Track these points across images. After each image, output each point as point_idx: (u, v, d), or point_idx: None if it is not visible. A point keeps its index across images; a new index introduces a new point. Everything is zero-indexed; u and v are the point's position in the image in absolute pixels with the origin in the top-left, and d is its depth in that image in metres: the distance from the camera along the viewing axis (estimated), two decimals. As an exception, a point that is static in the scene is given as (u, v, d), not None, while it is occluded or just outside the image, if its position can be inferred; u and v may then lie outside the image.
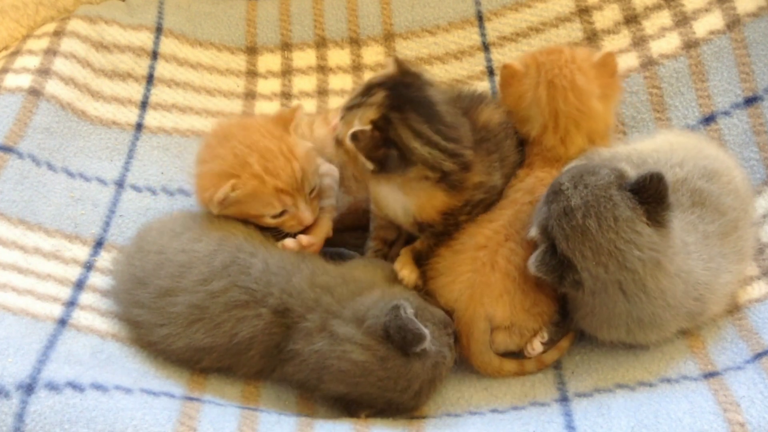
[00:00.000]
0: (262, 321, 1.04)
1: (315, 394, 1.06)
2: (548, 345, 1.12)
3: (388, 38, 1.56)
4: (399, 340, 0.99)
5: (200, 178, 1.14)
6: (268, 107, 1.54)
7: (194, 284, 1.05)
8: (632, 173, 1.00)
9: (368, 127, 1.02)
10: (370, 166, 1.03)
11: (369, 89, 1.07)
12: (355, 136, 1.01)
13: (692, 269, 1.01)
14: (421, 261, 1.16)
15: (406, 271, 1.14)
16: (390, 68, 1.10)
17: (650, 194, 0.97)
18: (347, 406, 1.04)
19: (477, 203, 1.13)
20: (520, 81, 1.22)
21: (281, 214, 1.13)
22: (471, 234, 1.12)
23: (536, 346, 1.11)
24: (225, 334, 1.04)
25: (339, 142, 1.08)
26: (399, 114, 1.03)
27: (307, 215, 1.14)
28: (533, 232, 1.03)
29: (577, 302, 1.05)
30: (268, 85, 1.57)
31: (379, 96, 1.05)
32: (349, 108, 1.08)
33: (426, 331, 1.00)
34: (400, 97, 1.05)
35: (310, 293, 1.05)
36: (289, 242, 1.14)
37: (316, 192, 1.17)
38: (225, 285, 1.05)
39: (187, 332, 1.04)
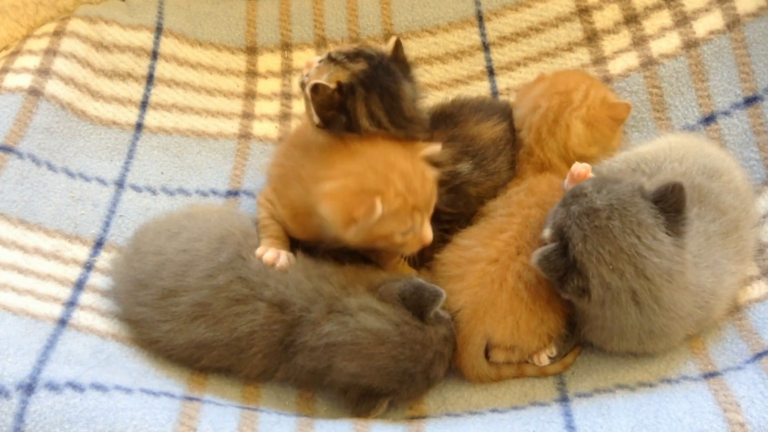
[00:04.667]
0: (260, 315, 1.04)
1: (324, 384, 1.05)
2: (555, 358, 1.11)
3: (388, 38, 1.55)
4: (415, 299, 1.02)
5: (333, 197, 1.05)
6: (268, 107, 1.54)
7: (198, 280, 1.06)
8: (650, 186, 1.00)
9: (332, 86, 1.07)
10: (316, 119, 1.08)
11: (357, 54, 1.12)
12: (315, 88, 1.06)
13: (700, 280, 1.00)
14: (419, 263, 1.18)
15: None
16: (389, 46, 1.14)
17: (670, 204, 0.97)
18: (358, 400, 1.03)
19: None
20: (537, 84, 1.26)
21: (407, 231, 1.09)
22: (484, 245, 1.12)
23: (543, 359, 1.10)
24: (225, 328, 1.04)
25: (302, 86, 1.12)
26: (365, 91, 1.08)
27: (429, 233, 1.10)
28: (546, 233, 1.02)
29: (587, 315, 1.04)
30: (268, 85, 1.57)
31: (360, 66, 1.10)
32: (331, 59, 1.11)
33: (443, 291, 1.03)
34: (376, 78, 1.09)
35: (308, 283, 1.06)
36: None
37: None
38: (229, 278, 1.06)
39: (189, 328, 1.05)
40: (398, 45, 1.14)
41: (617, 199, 0.97)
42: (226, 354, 1.06)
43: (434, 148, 1.12)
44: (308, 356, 1.03)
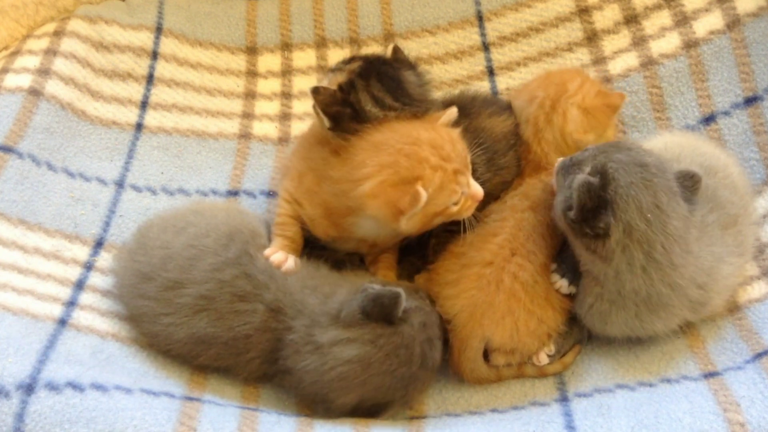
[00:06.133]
0: (257, 318, 1.04)
1: (329, 412, 1.03)
2: (554, 357, 1.11)
3: (388, 38, 1.56)
4: (378, 310, 1.00)
5: (375, 197, 1.04)
6: (268, 107, 1.54)
7: (205, 273, 1.06)
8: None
9: (333, 87, 1.11)
10: (326, 122, 1.11)
11: (351, 59, 1.17)
12: (316, 90, 1.09)
13: (699, 253, 1.03)
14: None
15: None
16: (387, 53, 1.19)
17: (688, 186, 1.04)
18: (370, 414, 1.02)
19: None
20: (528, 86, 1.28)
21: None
22: (478, 248, 1.11)
23: (542, 358, 1.10)
24: (226, 326, 1.04)
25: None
26: (363, 81, 1.11)
27: (479, 189, 1.09)
28: (586, 170, 1.03)
29: (589, 278, 1.05)
30: (268, 85, 1.57)
31: (354, 65, 1.14)
32: (331, 71, 1.18)
33: (399, 289, 1.01)
34: (371, 68, 1.13)
35: (299, 295, 1.06)
36: None
37: None
38: (235, 273, 1.06)
39: (190, 321, 1.05)
40: (396, 50, 1.18)
41: (660, 162, 1.04)
42: (224, 354, 1.05)
43: (450, 113, 1.12)
44: (296, 385, 1.03)
